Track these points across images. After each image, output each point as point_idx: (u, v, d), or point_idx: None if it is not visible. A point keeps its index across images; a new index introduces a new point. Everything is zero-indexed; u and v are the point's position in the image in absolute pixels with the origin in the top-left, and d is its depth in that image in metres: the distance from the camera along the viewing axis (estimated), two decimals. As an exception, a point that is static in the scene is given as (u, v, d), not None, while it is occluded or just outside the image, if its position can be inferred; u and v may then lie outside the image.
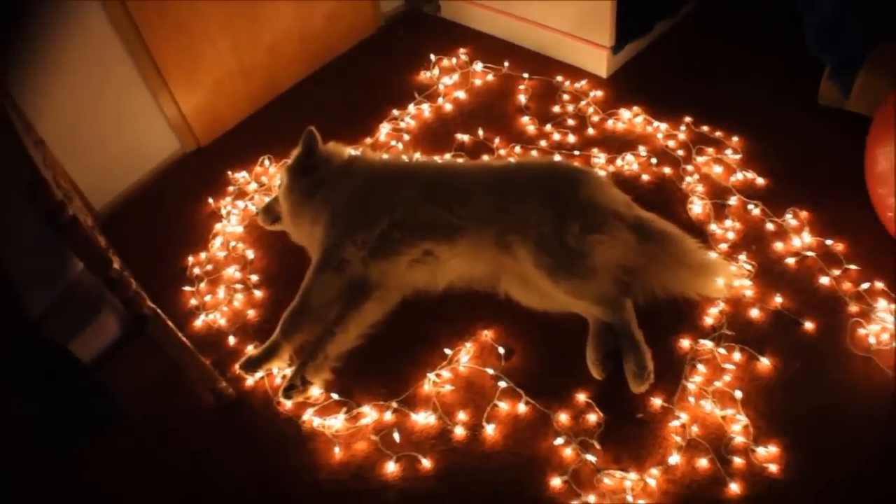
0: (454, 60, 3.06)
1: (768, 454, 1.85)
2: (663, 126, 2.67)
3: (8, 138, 1.57)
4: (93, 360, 1.67)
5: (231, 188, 2.72)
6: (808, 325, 2.08)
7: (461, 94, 2.93)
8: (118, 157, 2.70)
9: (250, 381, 2.16)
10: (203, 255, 2.52)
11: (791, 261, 2.23)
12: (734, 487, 1.80)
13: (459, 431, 1.99)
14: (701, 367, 2.02)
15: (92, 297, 1.68)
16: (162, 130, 2.80)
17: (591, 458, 1.88)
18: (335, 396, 2.09)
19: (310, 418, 2.06)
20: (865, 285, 2.13)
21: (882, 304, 2.09)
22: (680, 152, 2.58)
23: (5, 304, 1.54)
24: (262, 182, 2.74)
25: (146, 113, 2.72)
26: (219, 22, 2.74)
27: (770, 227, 2.32)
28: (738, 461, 1.85)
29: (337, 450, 1.99)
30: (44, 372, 1.59)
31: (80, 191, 2.51)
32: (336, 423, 2.03)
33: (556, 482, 1.86)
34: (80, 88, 2.48)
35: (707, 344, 2.07)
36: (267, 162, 2.77)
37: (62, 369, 1.59)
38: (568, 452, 1.91)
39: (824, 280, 2.17)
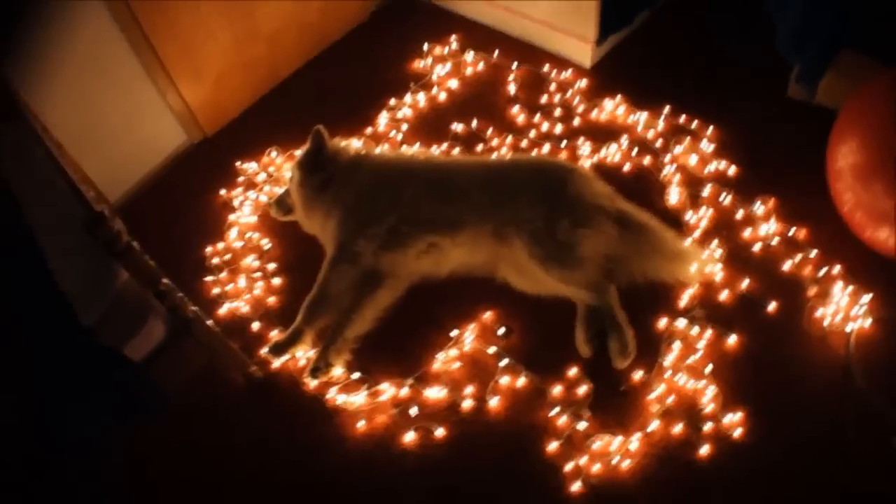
0: (446, 49, 3.09)
1: (734, 421, 2.01)
2: (643, 116, 2.72)
3: (61, 174, 1.68)
4: (143, 360, 1.77)
5: (241, 178, 2.77)
6: (771, 307, 2.22)
7: (454, 84, 2.98)
8: (129, 151, 2.76)
9: (276, 363, 2.27)
10: (220, 246, 2.58)
11: (757, 247, 2.35)
12: (704, 449, 1.97)
13: (467, 404, 2.14)
14: (676, 344, 2.17)
15: (139, 305, 1.78)
16: (169, 123, 2.84)
17: (582, 424, 2.05)
18: (356, 375, 2.21)
19: (333, 396, 2.18)
20: (823, 270, 2.26)
21: (839, 286, 2.21)
22: (659, 142, 2.65)
23: (61, 315, 1.61)
24: (270, 173, 2.78)
25: (153, 108, 2.76)
26: (220, 18, 2.77)
27: (740, 214, 2.43)
28: (707, 427, 2.01)
29: (361, 423, 2.13)
30: (101, 374, 1.69)
31: (94, 185, 2.52)
32: (359, 399, 2.16)
33: (552, 447, 2.03)
34: (90, 89, 2.53)
35: (681, 323, 2.20)
36: (274, 153, 2.82)
37: (117, 371, 1.71)
38: (562, 421, 2.07)
39: (787, 265, 2.29)
